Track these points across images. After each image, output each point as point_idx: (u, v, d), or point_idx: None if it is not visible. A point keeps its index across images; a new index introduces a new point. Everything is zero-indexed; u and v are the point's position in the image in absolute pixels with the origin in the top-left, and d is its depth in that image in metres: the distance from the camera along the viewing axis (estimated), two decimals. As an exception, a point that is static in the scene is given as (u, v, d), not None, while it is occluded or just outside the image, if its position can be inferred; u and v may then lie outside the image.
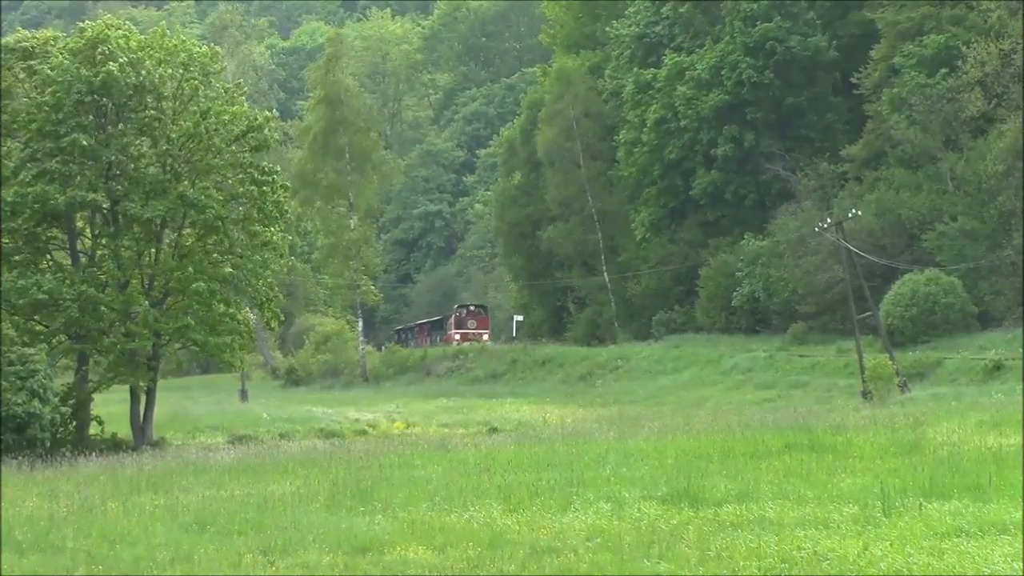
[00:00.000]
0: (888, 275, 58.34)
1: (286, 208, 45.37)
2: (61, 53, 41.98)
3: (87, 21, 45.35)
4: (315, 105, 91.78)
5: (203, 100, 42.95)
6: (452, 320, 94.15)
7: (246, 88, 48.77)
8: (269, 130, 44.51)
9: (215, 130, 42.61)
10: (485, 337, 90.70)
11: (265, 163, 44.74)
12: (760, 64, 72.70)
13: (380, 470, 23.45)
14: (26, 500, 21.43)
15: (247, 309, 46.34)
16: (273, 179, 43.84)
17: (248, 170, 43.59)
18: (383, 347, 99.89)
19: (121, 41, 41.73)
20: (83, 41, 41.75)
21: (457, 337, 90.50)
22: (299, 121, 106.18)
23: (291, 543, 15.92)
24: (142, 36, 43.46)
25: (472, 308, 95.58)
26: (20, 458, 31.57)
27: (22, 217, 40.50)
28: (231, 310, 43.93)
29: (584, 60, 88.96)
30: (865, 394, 45.47)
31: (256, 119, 43.77)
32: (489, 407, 54.68)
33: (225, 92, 44.37)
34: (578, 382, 69.10)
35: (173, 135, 42.46)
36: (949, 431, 24.15)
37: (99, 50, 40.98)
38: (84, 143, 40.45)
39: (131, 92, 41.54)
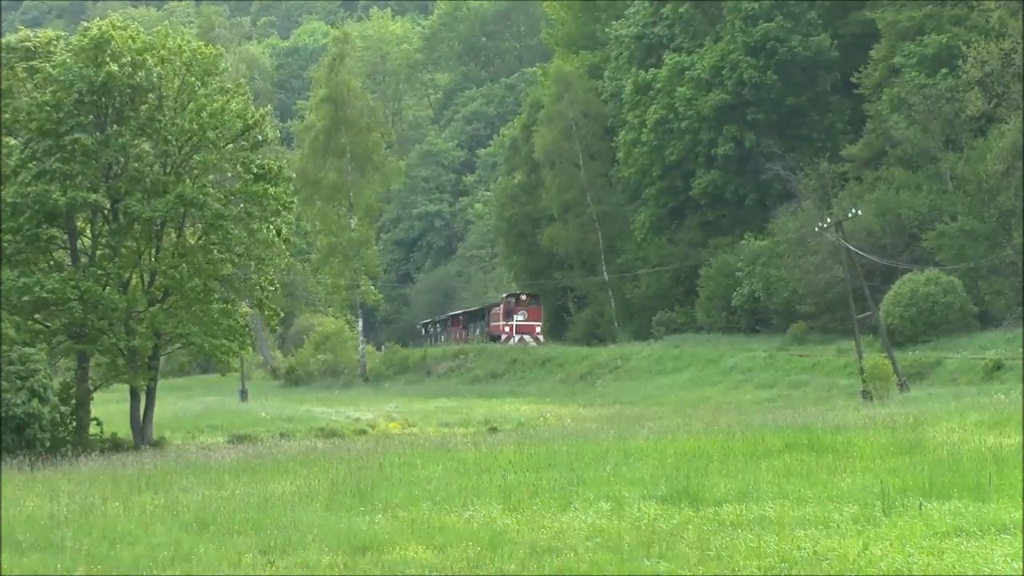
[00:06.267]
0: (888, 275, 58.36)
1: (290, 201, 45.19)
2: (64, 52, 41.99)
3: (92, 20, 45.29)
4: (318, 104, 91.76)
5: (202, 99, 42.88)
6: (500, 310, 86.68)
7: (247, 88, 48.68)
8: (269, 127, 44.39)
9: (214, 128, 42.53)
10: (538, 330, 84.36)
11: (265, 160, 44.65)
12: (761, 64, 72.76)
13: (380, 470, 23.43)
14: (26, 500, 21.40)
15: (245, 306, 46.21)
16: (272, 172, 43.63)
17: (248, 166, 43.49)
18: (383, 347, 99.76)
19: (127, 41, 41.70)
20: (87, 40, 41.73)
21: (507, 329, 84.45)
22: (299, 121, 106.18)
23: (291, 543, 15.91)
24: (148, 37, 43.37)
25: (524, 297, 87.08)
26: (20, 458, 31.57)
27: (23, 216, 40.47)
28: (229, 308, 43.83)
29: (583, 60, 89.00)
30: (865, 394, 45.48)
31: (252, 116, 43.69)
32: (489, 407, 54.66)
33: (223, 91, 44.29)
34: (578, 382, 69.08)
35: (170, 135, 42.41)
36: (949, 431, 24.13)
37: (106, 51, 40.96)
38: (85, 143, 40.43)
39: (131, 92, 41.54)
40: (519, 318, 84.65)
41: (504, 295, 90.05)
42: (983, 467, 18.81)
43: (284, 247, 45.18)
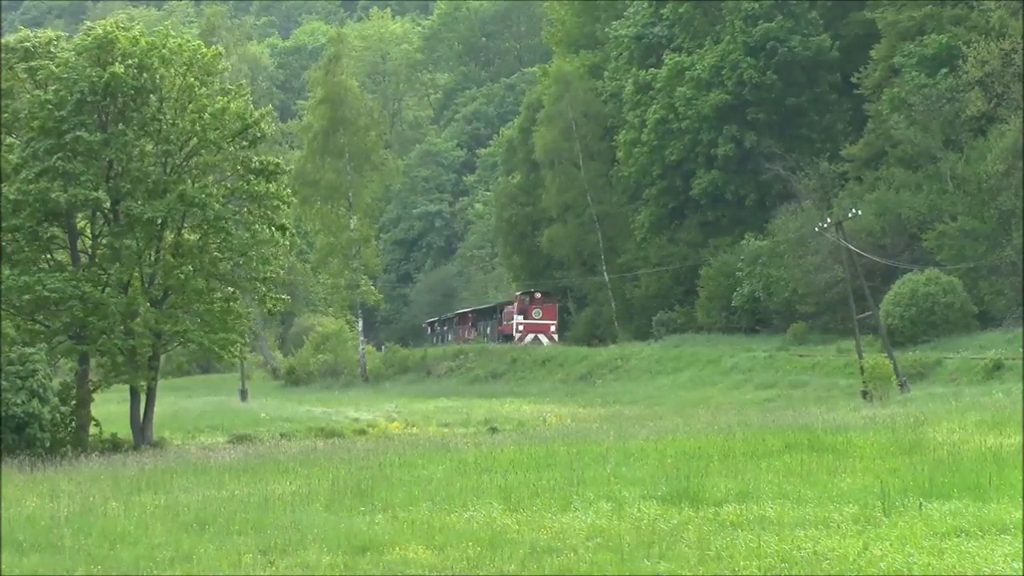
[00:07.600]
0: (888, 275, 58.38)
1: (289, 198, 45.11)
2: (67, 51, 41.97)
3: (97, 20, 45.23)
4: (316, 105, 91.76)
5: (202, 99, 42.83)
6: (514, 308, 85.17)
7: (248, 89, 48.62)
8: (266, 124, 44.32)
9: (214, 128, 42.48)
10: (552, 328, 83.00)
11: (264, 156, 44.60)
12: (761, 64, 72.79)
13: (380, 470, 23.44)
14: (26, 500, 21.41)
15: (245, 302, 46.11)
16: (270, 168, 43.57)
17: (248, 164, 43.42)
18: (383, 347, 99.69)
19: (132, 42, 41.68)
20: (90, 40, 41.70)
21: (521, 328, 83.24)
22: (299, 121, 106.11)
23: (291, 543, 15.91)
24: (151, 38, 43.33)
25: (538, 295, 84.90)
26: (20, 458, 31.57)
27: (23, 215, 40.44)
28: (230, 303, 43.75)
29: (583, 60, 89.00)
30: (865, 394, 45.50)
31: (251, 115, 43.65)
32: (489, 407, 54.65)
33: (224, 92, 44.24)
34: (578, 382, 69.06)
35: (172, 135, 42.38)
36: (949, 431, 24.14)
37: (110, 52, 40.93)
38: (88, 142, 40.37)
39: (133, 92, 41.52)
40: (533, 317, 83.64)
41: (518, 293, 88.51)
42: (983, 467, 18.82)
43: (285, 242, 45.10)
